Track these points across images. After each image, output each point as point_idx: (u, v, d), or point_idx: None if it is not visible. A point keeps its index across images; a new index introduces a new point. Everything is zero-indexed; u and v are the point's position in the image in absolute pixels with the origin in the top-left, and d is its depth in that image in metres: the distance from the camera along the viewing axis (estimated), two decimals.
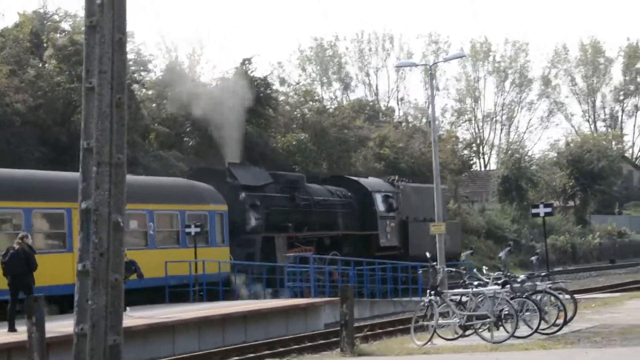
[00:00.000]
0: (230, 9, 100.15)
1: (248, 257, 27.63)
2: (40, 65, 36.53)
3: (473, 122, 78.00)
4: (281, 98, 49.85)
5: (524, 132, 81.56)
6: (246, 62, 44.17)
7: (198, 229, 25.54)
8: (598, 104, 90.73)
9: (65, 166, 27.47)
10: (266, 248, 28.35)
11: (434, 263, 18.33)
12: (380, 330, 21.44)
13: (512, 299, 15.79)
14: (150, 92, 42.85)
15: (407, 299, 29.01)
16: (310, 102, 52.48)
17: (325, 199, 31.72)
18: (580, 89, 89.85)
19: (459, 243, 38.88)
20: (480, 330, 15.76)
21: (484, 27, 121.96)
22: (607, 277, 44.99)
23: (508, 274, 17.66)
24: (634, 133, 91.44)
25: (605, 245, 64.35)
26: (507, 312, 15.55)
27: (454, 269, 18.93)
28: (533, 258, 21.28)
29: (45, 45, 36.75)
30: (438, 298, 15.89)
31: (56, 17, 38.78)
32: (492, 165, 75.93)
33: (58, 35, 37.27)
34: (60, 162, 30.26)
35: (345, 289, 15.13)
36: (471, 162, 68.04)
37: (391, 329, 21.93)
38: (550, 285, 17.43)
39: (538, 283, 17.01)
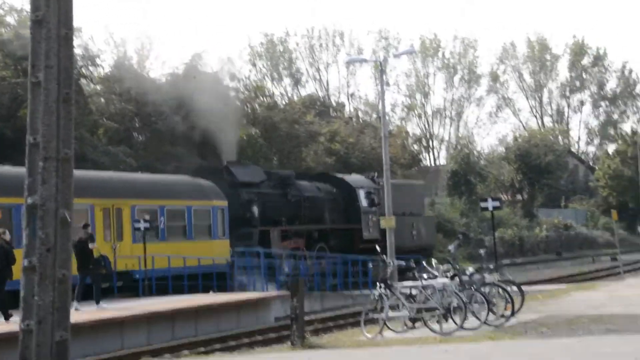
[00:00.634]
0: (180, 3, 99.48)
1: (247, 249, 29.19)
2: None
3: (423, 117, 78.58)
4: (232, 94, 49.66)
5: (473, 128, 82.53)
6: (196, 57, 43.92)
7: (147, 224, 25.43)
8: (545, 99, 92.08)
9: (10, 161, 27.05)
10: (262, 241, 29.93)
11: (384, 256, 18.41)
12: (330, 324, 21.53)
13: (460, 291, 15.96)
14: (98, 87, 42.36)
15: (358, 292, 29.14)
16: (261, 98, 52.38)
17: (314, 195, 33.46)
18: (527, 84, 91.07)
19: (435, 236, 40.79)
20: (429, 322, 15.91)
21: (434, 23, 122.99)
22: (553, 269, 45.73)
23: (457, 266, 17.84)
24: (579, 128, 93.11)
25: (551, 238, 65.35)
26: (455, 305, 15.70)
27: (404, 262, 19.05)
28: (482, 251, 21.51)
29: None
30: (388, 291, 16.00)
31: (1, 11, 38.13)
32: (442, 160, 76.65)
33: (3, 29, 36.65)
34: (6, 157, 29.78)
35: (295, 283, 15.14)
36: (421, 156, 68.61)
37: (342, 322, 22.02)
38: (498, 277, 17.66)
39: (486, 275, 17.21)
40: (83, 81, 39.24)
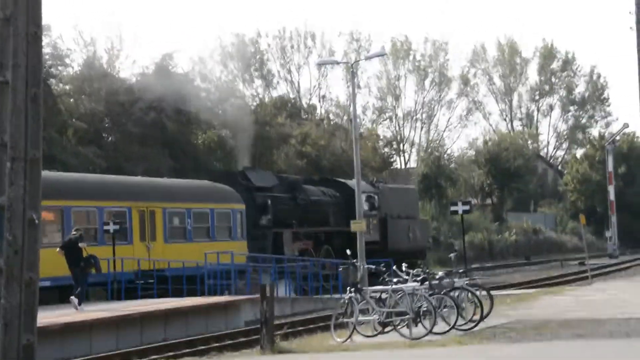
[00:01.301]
0: (150, 2, 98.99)
1: (261, 250, 31.23)
2: None
3: (394, 120, 78.76)
4: (202, 94, 49.50)
5: (444, 131, 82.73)
6: (167, 57, 43.74)
7: (117, 227, 25.26)
8: (515, 103, 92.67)
9: None
10: (275, 242, 31.99)
11: (354, 260, 18.43)
12: (300, 328, 21.49)
13: (430, 295, 16.01)
14: (67, 87, 42.03)
15: (328, 296, 29.15)
16: (232, 99, 52.24)
17: (319, 198, 35.40)
18: (497, 88, 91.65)
19: (427, 239, 42.79)
20: (399, 326, 15.94)
21: (405, 25, 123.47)
22: (522, 274, 46.03)
23: (427, 270, 17.90)
24: (548, 132, 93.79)
25: (520, 242, 65.84)
26: (425, 309, 15.76)
27: (374, 266, 19.10)
28: (451, 255, 21.59)
29: None
30: (358, 295, 16.02)
31: None
32: (412, 163, 76.80)
33: None
34: None
35: (264, 287, 15.10)
36: (392, 159, 68.78)
37: (312, 326, 21.99)
38: (467, 281, 17.75)
39: (456, 280, 17.28)
40: (52, 81, 38.93)
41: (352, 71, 36.01)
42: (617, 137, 71.66)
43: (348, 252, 19.24)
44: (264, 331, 14.70)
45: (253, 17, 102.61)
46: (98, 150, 38.07)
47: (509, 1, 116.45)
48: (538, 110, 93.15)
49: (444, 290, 16.47)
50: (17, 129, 6.73)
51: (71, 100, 41.41)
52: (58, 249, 21.59)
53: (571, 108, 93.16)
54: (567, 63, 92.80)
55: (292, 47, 73.80)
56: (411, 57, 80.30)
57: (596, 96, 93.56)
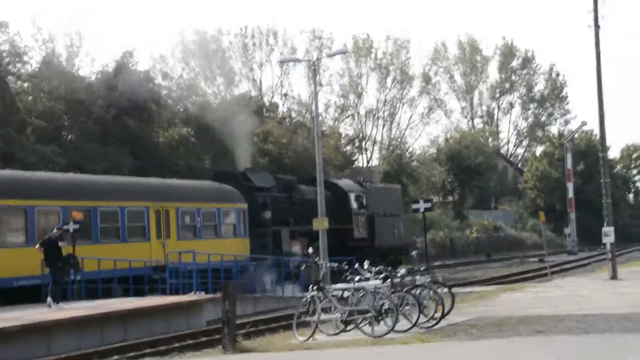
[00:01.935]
0: None
1: (262, 247, 32.89)
2: None
3: (356, 118, 78.90)
4: (164, 92, 49.17)
5: (405, 129, 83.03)
6: (127, 55, 43.36)
7: (77, 226, 25.09)
8: (475, 101, 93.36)
9: None
10: (274, 240, 33.69)
11: (317, 258, 18.46)
12: (263, 327, 21.46)
13: (392, 293, 16.07)
14: (26, 85, 41.49)
15: (290, 295, 29.16)
16: (194, 97, 51.97)
17: (313, 197, 36.03)
18: (458, 86, 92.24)
19: (412, 236, 44.73)
20: (361, 324, 15.99)
21: (366, 24, 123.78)
22: (483, 271, 46.40)
23: (389, 268, 17.97)
24: (509, 130, 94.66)
25: (481, 239, 66.35)
26: (387, 307, 15.81)
27: (336, 264, 19.13)
28: (413, 253, 21.75)
29: None
30: (320, 293, 16.03)
31: None
32: (375, 161, 77.01)
33: None
34: None
35: (226, 286, 15.06)
36: (354, 157, 68.86)
37: (274, 325, 21.99)
38: (429, 279, 17.85)
39: (417, 277, 17.37)
40: (10, 78, 38.40)
41: (314, 69, 36.09)
42: (576, 135, 72.50)
43: (310, 250, 19.27)
44: (226, 330, 14.66)
45: (215, 15, 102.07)
46: (57, 148, 37.62)
47: (470, 0, 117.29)
48: (498, 108, 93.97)
49: (406, 288, 16.55)
50: None
51: (30, 98, 40.87)
52: (37, 246, 21.94)
53: (531, 106, 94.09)
54: (527, 61, 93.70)
55: (254, 44, 73.59)
56: (373, 55, 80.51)
57: (555, 94, 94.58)
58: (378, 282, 16.55)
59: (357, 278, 16.64)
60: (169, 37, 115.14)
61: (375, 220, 39.25)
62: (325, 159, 49.64)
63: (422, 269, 19.64)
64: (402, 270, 17.81)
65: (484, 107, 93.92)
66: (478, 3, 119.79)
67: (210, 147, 48.62)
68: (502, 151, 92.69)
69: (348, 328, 16.08)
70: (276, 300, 28.54)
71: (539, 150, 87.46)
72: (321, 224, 32.21)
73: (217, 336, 18.25)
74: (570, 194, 62.56)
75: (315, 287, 16.05)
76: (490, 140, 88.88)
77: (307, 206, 35.51)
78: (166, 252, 28.33)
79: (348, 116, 78.29)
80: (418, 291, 16.81)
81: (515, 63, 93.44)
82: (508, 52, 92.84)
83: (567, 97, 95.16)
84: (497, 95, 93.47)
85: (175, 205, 29.91)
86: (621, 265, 35.86)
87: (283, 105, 70.84)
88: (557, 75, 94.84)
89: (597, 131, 40.97)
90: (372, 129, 79.77)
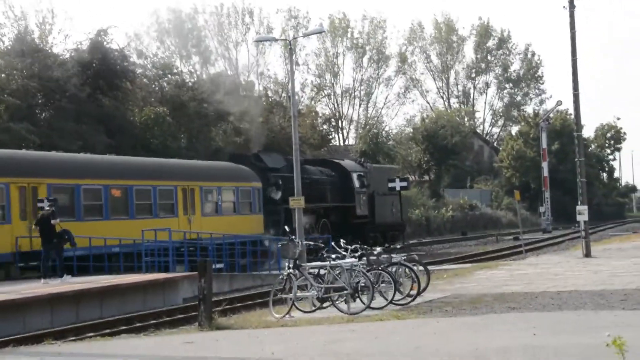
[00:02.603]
0: None
1: (274, 223, 34.77)
2: None
3: (332, 97, 78.83)
4: (139, 71, 48.76)
5: (382, 108, 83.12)
6: (102, 33, 42.90)
7: (51, 203, 24.88)
8: (452, 81, 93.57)
9: None
10: (286, 216, 35.38)
11: (292, 236, 18.43)
12: (239, 304, 21.47)
13: (368, 271, 16.12)
14: None
15: (267, 273, 29.18)
16: (169, 76, 51.59)
17: (319, 177, 39.37)
18: (435, 66, 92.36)
19: (407, 213, 48.36)
20: (337, 302, 16.03)
21: (343, 3, 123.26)
22: (458, 249, 46.67)
23: (365, 246, 18.01)
24: (484, 110, 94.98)
25: (457, 218, 66.68)
26: (363, 284, 15.86)
27: (312, 242, 19.14)
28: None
29: None
30: (296, 271, 16.04)
31: None
32: (351, 140, 77.05)
33: None
34: None
35: (203, 263, 15.02)
36: (330, 137, 68.77)
37: (250, 302, 22.00)
38: (404, 257, 17.91)
39: (393, 255, 17.42)
40: None
41: (290, 48, 35.86)
42: (551, 115, 72.85)
43: (286, 228, 19.25)
44: (202, 308, 14.63)
45: None
46: (31, 126, 37.22)
47: None
48: (474, 87, 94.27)
49: (382, 266, 16.61)
50: None
51: (2, 75, 40.38)
52: (33, 226, 22.81)
53: (506, 86, 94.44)
54: (503, 41, 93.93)
55: (229, 23, 73.17)
56: (349, 35, 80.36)
57: (531, 74, 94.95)
58: (354, 260, 16.59)
59: (333, 256, 16.67)
60: (144, 15, 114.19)
61: (376, 199, 41.55)
62: (302, 138, 49.55)
63: (397, 247, 19.70)
64: (377, 249, 17.87)
65: (460, 87, 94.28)
66: None
67: (186, 127, 48.34)
68: (478, 130, 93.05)
69: (324, 305, 16.12)
70: (252, 278, 28.54)
71: (514, 129, 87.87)
72: (298, 202, 32.22)
73: (194, 313, 18.23)
74: (545, 173, 62.92)
75: (291, 265, 16.06)
76: (466, 119, 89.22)
77: (315, 185, 38.12)
78: (191, 228, 31.20)
79: (324, 96, 78.23)
80: (394, 269, 16.88)
81: (491, 43, 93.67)
82: (484, 32, 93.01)
83: (542, 77, 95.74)
84: (473, 75, 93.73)
85: (199, 184, 32.50)
86: (595, 243, 36.20)
87: (259, 84, 70.59)
88: (533, 55, 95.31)
89: (572, 110, 41.19)
90: (348, 108, 79.82)
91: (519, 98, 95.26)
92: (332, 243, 17.75)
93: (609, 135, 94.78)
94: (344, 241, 18.22)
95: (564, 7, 30.44)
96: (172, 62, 57.89)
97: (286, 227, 19.37)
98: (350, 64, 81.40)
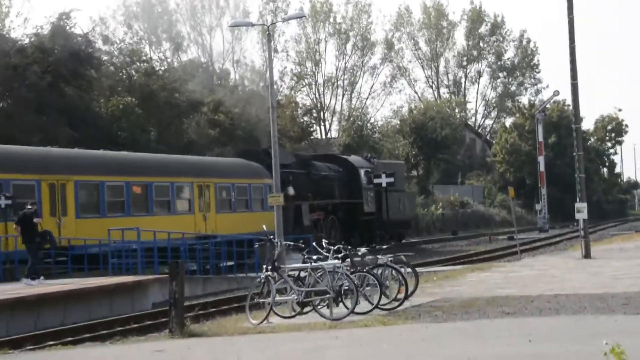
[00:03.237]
0: None
1: (285, 220, 35.23)
2: None
3: (313, 86, 78.81)
4: (105, 58, 48.54)
5: (367, 98, 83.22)
6: (64, 17, 42.65)
7: (9, 202, 25.14)
8: (441, 69, 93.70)
9: None
10: (296, 213, 37.49)
11: (271, 236, 18.37)
12: (213, 309, 21.40)
13: (352, 273, 16.08)
14: None
15: (243, 275, 29.12)
16: (138, 63, 51.39)
17: (327, 173, 41.33)
18: (423, 53, 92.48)
19: (414, 210, 50.35)
20: (319, 306, 15.98)
21: None
22: (449, 249, 46.78)
23: (348, 247, 17.97)
24: (476, 100, 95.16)
25: (447, 216, 66.81)
26: (347, 288, 15.81)
27: (292, 243, 19.08)
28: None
29: None
30: (275, 274, 15.97)
31: None
32: (334, 133, 77.11)
33: None
34: None
35: (174, 265, 14.93)
36: (311, 129, 68.82)
37: (225, 307, 21.94)
38: (391, 258, 17.88)
39: (379, 257, 17.40)
40: None
41: (268, 34, 35.79)
42: (548, 106, 73.15)
43: (264, 227, 19.19)
44: (173, 313, 14.56)
45: None
46: None
47: None
48: (466, 77, 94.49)
49: (367, 268, 16.58)
50: None
51: None
52: (14, 225, 23.31)
53: (500, 75, 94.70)
54: (496, 27, 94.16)
55: (203, 7, 72.93)
56: (332, 20, 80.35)
57: (526, 62, 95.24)
58: (337, 261, 16.55)
59: (314, 257, 16.61)
60: None
61: (383, 195, 42.49)
62: (281, 130, 49.52)
63: (383, 247, 19.69)
64: (362, 249, 17.84)
65: (451, 76, 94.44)
66: None
67: (156, 118, 48.17)
68: (470, 122, 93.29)
69: (305, 310, 16.07)
70: (228, 280, 28.48)
71: (508, 121, 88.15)
72: (276, 200, 32.19)
73: (164, 319, 18.14)
74: (542, 168, 63.17)
75: (269, 267, 15.99)
76: (457, 111, 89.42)
77: (323, 182, 40.18)
78: (207, 224, 33.32)
79: (305, 85, 78.19)
80: (380, 271, 16.86)
81: (483, 29, 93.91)
82: (476, 17, 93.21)
83: (538, 65, 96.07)
84: (465, 63, 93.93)
85: (214, 181, 34.75)
86: (594, 243, 36.38)
87: (235, 72, 70.45)
88: (528, 42, 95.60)
89: (569, 101, 41.38)
90: (330, 99, 79.86)
91: (513, 88, 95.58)
92: (314, 243, 17.67)
93: (609, 127, 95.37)
94: (326, 241, 18.16)
95: None
96: (141, 48, 57.72)
97: (264, 226, 19.28)
98: (333, 51, 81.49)
